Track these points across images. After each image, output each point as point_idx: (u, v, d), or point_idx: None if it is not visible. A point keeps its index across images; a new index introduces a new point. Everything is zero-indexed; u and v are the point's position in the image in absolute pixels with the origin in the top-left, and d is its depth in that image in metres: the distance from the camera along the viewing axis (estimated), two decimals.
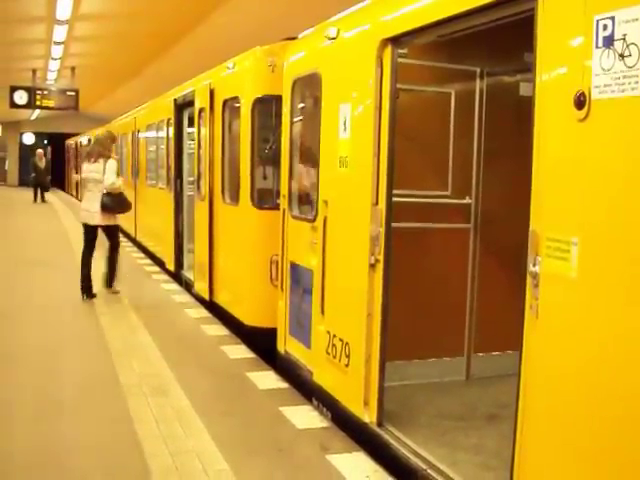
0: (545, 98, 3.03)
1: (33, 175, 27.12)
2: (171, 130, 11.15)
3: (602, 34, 2.69)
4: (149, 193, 13.67)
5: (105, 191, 8.68)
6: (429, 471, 4.00)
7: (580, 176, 2.84)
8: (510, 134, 5.28)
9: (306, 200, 5.99)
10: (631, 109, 2.59)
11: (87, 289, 8.92)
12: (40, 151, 28.23)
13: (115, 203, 8.79)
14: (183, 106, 10.46)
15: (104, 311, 8.31)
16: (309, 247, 5.53)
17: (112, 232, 9.21)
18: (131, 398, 5.35)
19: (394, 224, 4.51)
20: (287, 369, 6.10)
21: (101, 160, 8.79)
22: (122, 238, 16.09)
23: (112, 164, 8.78)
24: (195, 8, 12.05)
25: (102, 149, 8.94)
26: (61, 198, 30.05)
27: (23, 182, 39.10)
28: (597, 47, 2.71)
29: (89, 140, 25.80)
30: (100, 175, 8.70)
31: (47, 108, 20.38)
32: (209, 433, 4.72)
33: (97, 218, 8.79)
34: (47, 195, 27.04)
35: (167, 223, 10.97)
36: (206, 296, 8.75)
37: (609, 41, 2.66)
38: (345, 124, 4.89)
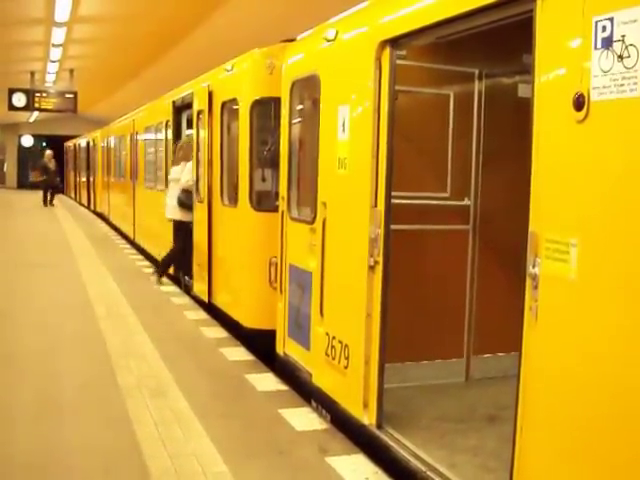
0: (544, 99, 3.03)
1: (44, 177, 26.45)
2: (169, 132, 11.15)
3: (601, 35, 2.68)
4: (147, 195, 13.65)
5: (182, 188, 9.55)
6: (429, 473, 3.99)
7: (579, 177, 2.84)
8: (509, 135, 5.28)
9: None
10: (630, 110, 2.59)
11: (162, 273, 10.21)
12: (49, 152, 27.32)
13: (190, 200, 9.44)
14: (181, 108, 10.45)
15: (103, 313, 8.31)
16: (308, 249, 5.53)
17: (179, 230, 9.85)
18: (130, 400, 5.34)
19: (393, 226, 4.50)
20: (286, 371, 6.09)
21: (183, 162, 9.79)
22: (120, 240, 16.27)
23: (190, 165, 9.56)
24: (193, 10, 12.08)
25: (184, 154, 9.87)
26: (60, 200, 29.96)
27: (22, 184, 39.10)
28: (596, 48, 2.71)
29: (87, 143, 25.81)
30: (179, 175, 9.76)
31: (45, 110, 20.41)
32: (208, 435, 4.71)
33: (173, 212, 9.86)
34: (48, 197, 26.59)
35: (166, 225, 10.94)
36: (205, 298, 8.74)
37: (608, 42, 2.66)
38: (344, 126, 4.89)
